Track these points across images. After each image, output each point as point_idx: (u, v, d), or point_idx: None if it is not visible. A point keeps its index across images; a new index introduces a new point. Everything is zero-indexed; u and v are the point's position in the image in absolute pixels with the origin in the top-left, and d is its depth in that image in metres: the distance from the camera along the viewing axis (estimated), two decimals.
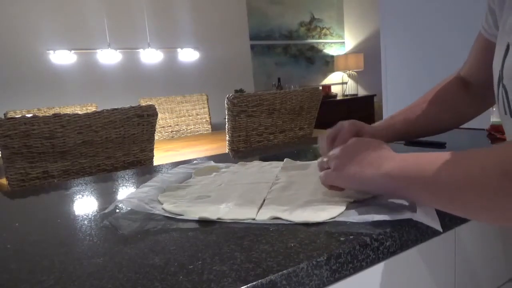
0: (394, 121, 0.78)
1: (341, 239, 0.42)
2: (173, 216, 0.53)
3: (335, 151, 0.55)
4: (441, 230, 0.45)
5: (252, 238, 0.44)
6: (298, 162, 0.81)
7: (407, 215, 0.46)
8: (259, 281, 0.35)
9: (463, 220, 0.54)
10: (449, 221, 0.50)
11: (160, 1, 3.95)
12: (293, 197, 0.57)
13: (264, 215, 0.51)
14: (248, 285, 0.34)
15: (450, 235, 0.54)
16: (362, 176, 0.49)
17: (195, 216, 0.52)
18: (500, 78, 0.53)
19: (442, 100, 0.76)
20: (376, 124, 0.78)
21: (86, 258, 0.43)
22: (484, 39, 0.67)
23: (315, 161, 0.82)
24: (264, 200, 0.57)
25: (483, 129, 0.99)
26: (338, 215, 0.48)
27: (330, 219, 0.48)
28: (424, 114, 0.76)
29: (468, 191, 0.39)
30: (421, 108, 0.76)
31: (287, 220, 0.48)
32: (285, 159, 0.82)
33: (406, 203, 0.50)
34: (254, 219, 0.50)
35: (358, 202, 0.53)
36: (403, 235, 0.45)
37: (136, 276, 0.37)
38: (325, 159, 0.56)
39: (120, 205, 0.61)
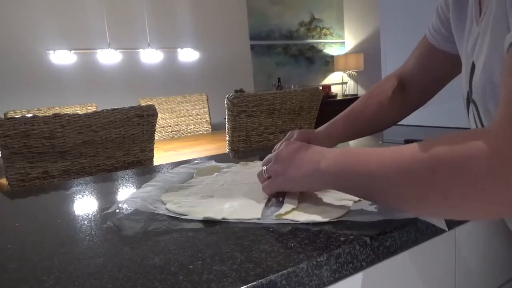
0: (335, 125, 0.81)
1: (341, 239, 0.42)
2: (177, 216, 0.53)
3: (270, 158, 0.57)
4: (446, 229, 0.45)
5: (252, 238, 0.44)
6: None
7: (411, 214, 0.46)
8: (259, 281, 0.35)
9: (463, 220, 0.54)
10: (449, 221, 0.50)
11: (160, 1, 3.95)
12: (298, 197, 0.57)
13: (269, 215, 0.51)
14: (248, 285, 0.34)
15: (450, 235, 0.54)
16: (303, 176, 0.51)
17: (200, 216, 0.52)
18: (469, 94, 0.54)
19: (380, 102, 0.79)
20: (318, 130, 0.81)
21: (86, 258, 0.43)
22: (430, 44, 0.71)
23: None
24: (268, 200, 0.57)
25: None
26: (343, 215, 0.48)
27: (335, 219, 0.48)
28: (363, 116, 0.80)
29: (399, 183, 0.40)
30: (360, 111, 0.80)
31: (292, 220, 0.48)
32: None
33: None
34: (259, 219, 0.50)
35: (363, 202, 0.53)
36: (403, 235, 0.45)
37: (136, 276, 0.37)
38: (264, 169, 0.57)
39: (122, 205, 0.61)
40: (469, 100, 0.55)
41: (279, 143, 0.76)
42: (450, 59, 0.67)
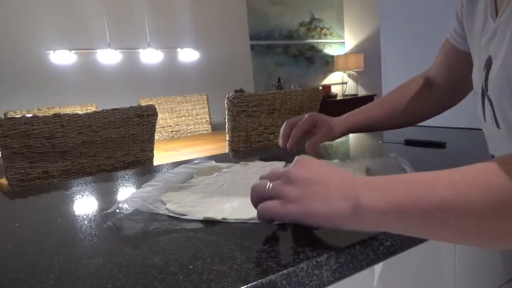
0: (354, 114, 0.82)
1: (341, 239, 0.42)
2: (177, 216, 0.53)
3: (277, 174, 0.43)
4: None
5: (252, 238, 0.44)
6: None
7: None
8: (259, 281, 0.35)
9: None
10: None
11: (160, 1, 3.95)
12: None
13: None
14: (248, 285, 0.34)
15: None
16: (335, 214, 0.38)
17: (200, 216, 0.52)
18: (484, 90, 0.54)
19: (401, 101, 0.80)
20: (336, 118, 0.82)
21: (86, 258, 0.43)
22: (451, 45, 0.72)
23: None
24: None
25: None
26: None
27: None
28: (383, 112, 0.81)
29: (490, 217, 0.32)
30: (381, 106, 0.81)
31: None
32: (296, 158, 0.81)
33: None
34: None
35: None
36: (403, 235, 0.45)
37: (136, 276, 0.37)
38: (268, 184, 0.43)
39: (122, 205, 0.61)
40: (484, 96, 0.55)
41: (283, 128, 0.77)
42: (469, 59, 0.67)
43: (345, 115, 0.82)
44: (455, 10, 0.68)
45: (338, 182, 0.39)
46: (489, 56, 0.52)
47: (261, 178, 0.45)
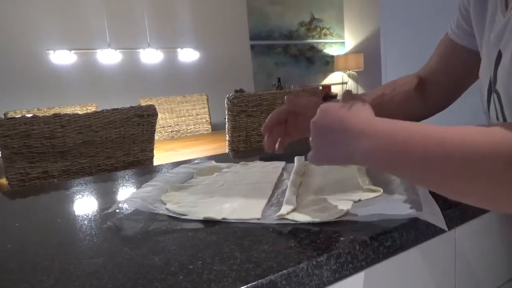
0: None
1: (341, 239, 0.42)
2: (177, 216, 0.53)
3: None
4: (446, 229, 0.45)
5: (252, 238, 0.44)
6: (307, 162, 0.80)
7: (412, 214, 0.46)
8: (259, 281, 0.35)
9: (463, 220, 0.54)
10: (449, 221, 0.50)
11: (160, 1, 3.95)
12: (298, 197, 0.57)
13: (269, 215, 0.51)
14: (248, 285, 0.34)
15: (450, 235, 0.54)
16: (342, 158, 0.47)
17: (200, 216, 0.52)
18: (491, 85, 0.53)
19: (405, 94, 0.75)
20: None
21: (86, 258, 0.43)
22: (451, 40, 0.69)
23: None
24: (268, 200, 0.57)
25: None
26: (344, 215, 0.48)
27: (335, 218, 0.48)
28: (391, 104, 0.74)
29: (466, 179, 0.36)
30: (389, 97, 0.75)
31: (292, 220, 0.48)
32: (296, 158, 0.81)
33: (411, 203, 0.50)
34: (259, 219, 0.50)
35: (363, 202, 0.53)
36: (403, 235, 0.45)
37: (136, 276, 0.37)
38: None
39: (122, 205, 0.61)
40: (491, 90, 0.54)
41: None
42: (471, 55, 0.66)
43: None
44: (458, 5, 0.67)
45: (344, 129, 0.46)
46: (499, 51, 0.52)
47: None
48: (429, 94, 0.75)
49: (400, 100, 0.75)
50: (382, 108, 0.73)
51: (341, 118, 0.47)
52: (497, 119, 0.54)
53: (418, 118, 0.77)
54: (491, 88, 0.54)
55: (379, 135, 0.42)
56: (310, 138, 0.51)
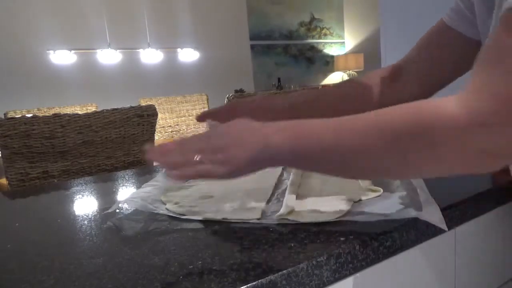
0: (292, 96, 0.69)
1: (341, 239, 0.42)
2: (177, 216, 0.53)
3: (204, 142, 0.45)
4: (446, 229, 0.45)
5: (252, 238, 0.44)
6: None
7: (412, 214, 0.46)
8: (259, 281, 0.35)
9: (463, 220, 0.54)
10: (449, 221, 0.50)
11: (160, 1, 3.95)
12: (298, 197, 0.57)
13: (269, 216, 0.51)
14: (248, 285, 0.34)
15: (450, 235, 0.54)
16: (251, 158, 0.42)
17: (200, 217, 0.52)
18: None
19: (356, 88, 0.70)
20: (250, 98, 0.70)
21: (86, 258, 0.43)
22: (444, 24, 0.64)
23: None
24: (268, 201, 0.57)
25: None
26: (344, 215, 0.48)
27: (335, 218, 0.48)
28: (328, 94, 0.70)
29: (362, 154, 0.39)
30: (329, 90, 0.71)
31: (292, 220, 0.48)
32: None
33: (411, 203, 0.50)
34: (259, 219, 0.50)
35: (363, 202, 0.53)
36: (403, 235, 0.45)
37: (136, 276, 0.37)
38: (193, 154, 0.44)
39: (122, 205, 0.61)
40: None
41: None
42: (463, 42, 0.62)
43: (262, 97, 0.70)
44: None
45: (250, 127, 0.43)
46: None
47: (178, 145, 0.45)
48: (401, 85, 0.68)
49: (338, 94, 0.69)
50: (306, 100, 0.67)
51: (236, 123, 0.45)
52: None
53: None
54: None
55: (284, 123, 0.43)
56: (196, 145, 0.45)
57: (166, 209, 0.56)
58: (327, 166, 0.42)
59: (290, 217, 0.49)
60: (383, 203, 0.52)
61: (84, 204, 0.67)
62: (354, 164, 0.40)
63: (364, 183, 0.60)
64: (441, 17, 0.66)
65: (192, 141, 0.45)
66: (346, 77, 5.40)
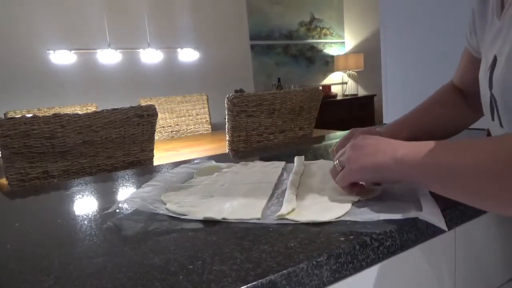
0: (404, 124, 0.76)
1: (341, 239, 0.42)
2: (177, 216, 0.53)
3: (344, 151, 0.55)
4: (446, 229, 0.45)
5: (252, 238, 0.44)
6: (306, 162, 0.80)
7: (412, 214, 0.46)
8: (259, 281, 0.35)
9: (463, 220, 0.54)
10: (449, 221, 0.50)
11: (160, 1, 3.95)
12: (298, 197, 0.57)
13: (269, 215, 0.51)
14: (248, 285, 0.34)
15: (450, 235, 0.54)
16: (377, 164, 0.49)
17: (200, 216, 0.52)
18: (489, 88, 0.53)
19: (446, 103, 0.76)
20: (383, 129, 0.76)
21: (86, 258, 0.43)
22: (469, 53, 0.69)
23: (320, 161, 0.82)
24: (268, 200, 0.57)
25: (483, 129, 0.99)
26: (344, 215, 0.48)
27: (335, 218, 0.48)
28: (434, 118, 0.75)
29: (478, 177, 0.40)
30: (429, 112, 0.76)
31: (292, 220, 0.48)
32: (296, 158, 0.81)
33: (411, 202, 0.50)
34: (259, 219, 0.50)
35: (363, 202, 0.53)
36: (403, 235, 0.45)
37: (136, 276, 0.37)
38: (336, 162, 0.56)
39: (122, 205, 0.61)
40: (490, 92, 0.54)
41: (337, 142, 0.73)
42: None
43: (390, 128, 0.76)
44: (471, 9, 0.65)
45: (383, 144, 0.50)
46: (495, 55, 0.52)
47: (335, 159, 0.57)
48: (468, 99, 0.75)
49: (446, 114, 0.75)
50: (426, 125, 0.74)
51: (378, 138, 0.52)
52: (492, 119, 0.54)
53: (459, 130, 0.77)
54: (489, 91, 0.54)
55: (417, 144, 0.47)
56: (337, 162, 0.55)
57: (166, 209, 0.56)
58: (441, 184, 0.45)
59: (290, 217, 0.49)
60: (383, 203, 0.52)
61: (84, 204, 0.67)
62: (468, 188, 0.42)
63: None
64: (464, 46, 0.71)
65: (340, 153, 0.56)
66: (346, 77, 5.40)
